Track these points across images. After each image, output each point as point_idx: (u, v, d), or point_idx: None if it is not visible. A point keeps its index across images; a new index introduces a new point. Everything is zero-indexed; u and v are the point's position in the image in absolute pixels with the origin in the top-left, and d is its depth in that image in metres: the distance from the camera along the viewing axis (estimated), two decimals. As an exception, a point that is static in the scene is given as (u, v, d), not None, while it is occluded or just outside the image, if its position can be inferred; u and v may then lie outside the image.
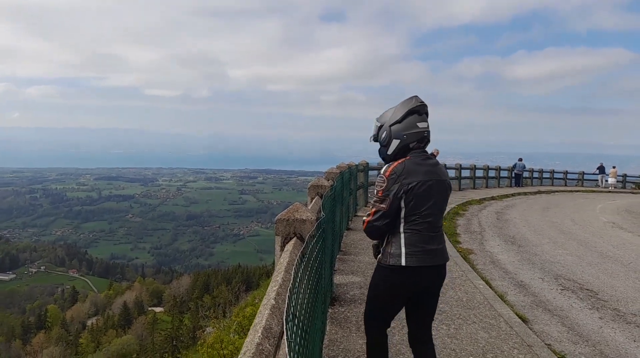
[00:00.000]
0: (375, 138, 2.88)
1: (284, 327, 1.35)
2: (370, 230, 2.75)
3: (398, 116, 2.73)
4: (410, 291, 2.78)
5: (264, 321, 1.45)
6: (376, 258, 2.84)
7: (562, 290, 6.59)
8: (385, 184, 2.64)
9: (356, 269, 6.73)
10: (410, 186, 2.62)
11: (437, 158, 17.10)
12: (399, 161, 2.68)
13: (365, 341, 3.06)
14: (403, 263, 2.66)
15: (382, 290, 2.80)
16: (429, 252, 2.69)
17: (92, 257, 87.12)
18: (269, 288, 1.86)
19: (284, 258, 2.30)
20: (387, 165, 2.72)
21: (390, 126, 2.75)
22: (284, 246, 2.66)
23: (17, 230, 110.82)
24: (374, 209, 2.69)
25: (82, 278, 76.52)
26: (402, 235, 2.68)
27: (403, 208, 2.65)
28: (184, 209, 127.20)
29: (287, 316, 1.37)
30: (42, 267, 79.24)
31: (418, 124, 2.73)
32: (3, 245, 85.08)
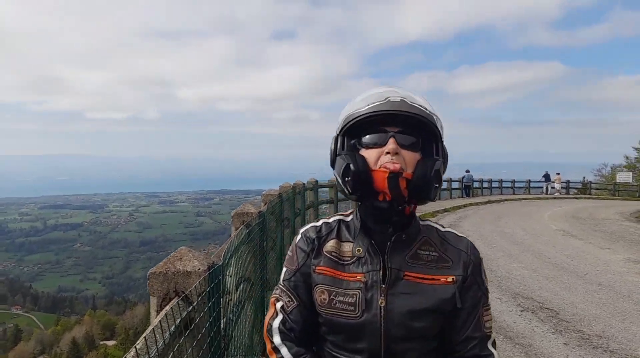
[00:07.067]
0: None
1: None
2: None
3: None
4: None
5: None
6: None
7: (521, 311, 6.14)
8: None
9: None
10: None
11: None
12: None
13: None
14: None
15: None
16: None
17: (37, 291, 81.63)
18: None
19: (149, 335, 1.60)
20: None
21: None
22: (161, 310, 1.96)
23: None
24: None
25: (27, 314, 71.47)
26: None
27: None
28: (137, 235, 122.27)
29: None
30: (-20, 306, 73.62)
31: None
32: None
